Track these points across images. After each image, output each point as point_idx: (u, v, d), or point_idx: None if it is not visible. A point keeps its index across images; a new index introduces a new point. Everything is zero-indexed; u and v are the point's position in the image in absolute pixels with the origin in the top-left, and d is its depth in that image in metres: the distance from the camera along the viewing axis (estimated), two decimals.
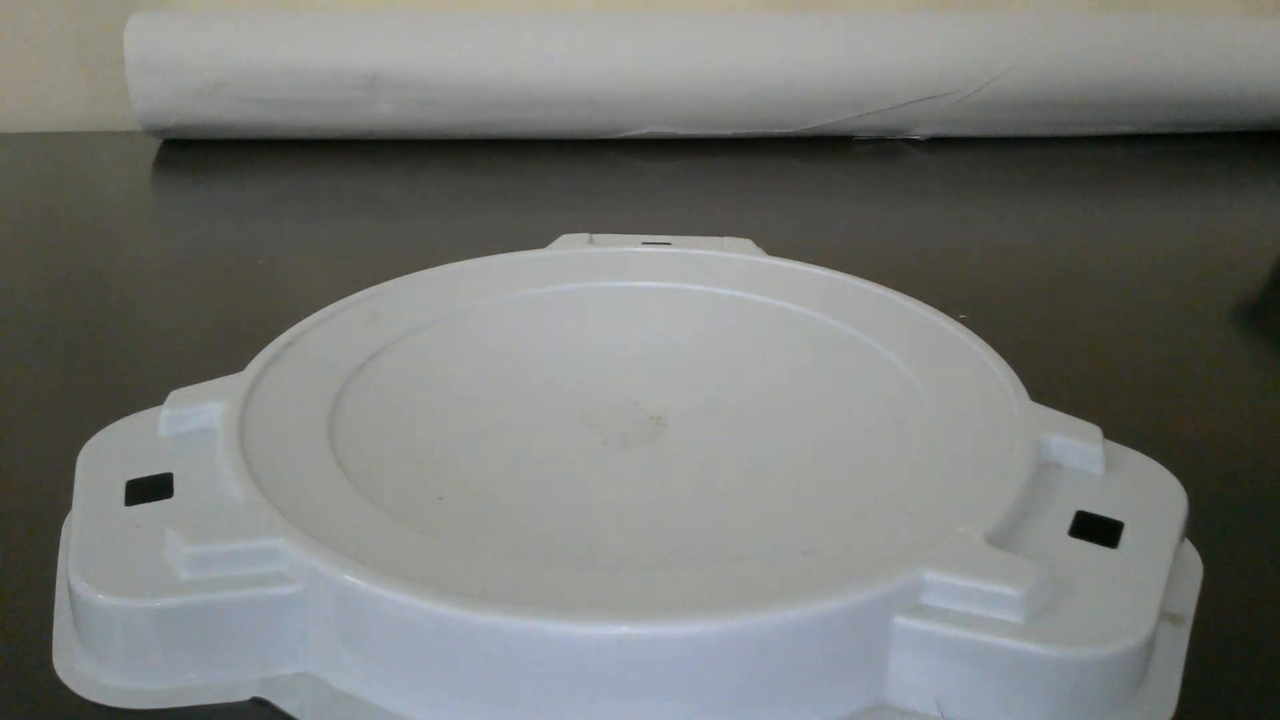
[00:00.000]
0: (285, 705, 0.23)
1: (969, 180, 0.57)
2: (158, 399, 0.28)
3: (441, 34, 0.58)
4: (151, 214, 0.52)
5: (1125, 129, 0.62)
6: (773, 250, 0.40)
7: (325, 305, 0.33)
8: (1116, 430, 0.28)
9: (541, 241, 0.41)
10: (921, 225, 0.51)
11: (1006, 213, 0.53)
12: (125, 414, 0.29)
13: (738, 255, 0.38)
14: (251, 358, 0.30)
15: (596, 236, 0.41)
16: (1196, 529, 0.27)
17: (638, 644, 0.21)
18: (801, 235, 0.49)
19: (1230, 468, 0.32)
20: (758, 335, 0.34)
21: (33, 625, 0.25)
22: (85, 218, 0.51)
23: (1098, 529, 0.25)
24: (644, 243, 0.40)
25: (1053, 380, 0.35)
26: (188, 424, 0.28)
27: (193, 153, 0.60)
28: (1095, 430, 0.28)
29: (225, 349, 0.37)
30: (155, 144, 0.61)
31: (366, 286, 0.35)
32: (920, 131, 0.61)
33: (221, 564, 0.23)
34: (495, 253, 0.39)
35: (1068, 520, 0.25)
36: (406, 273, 0.36)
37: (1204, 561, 0.27)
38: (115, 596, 0.22)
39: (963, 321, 0.33)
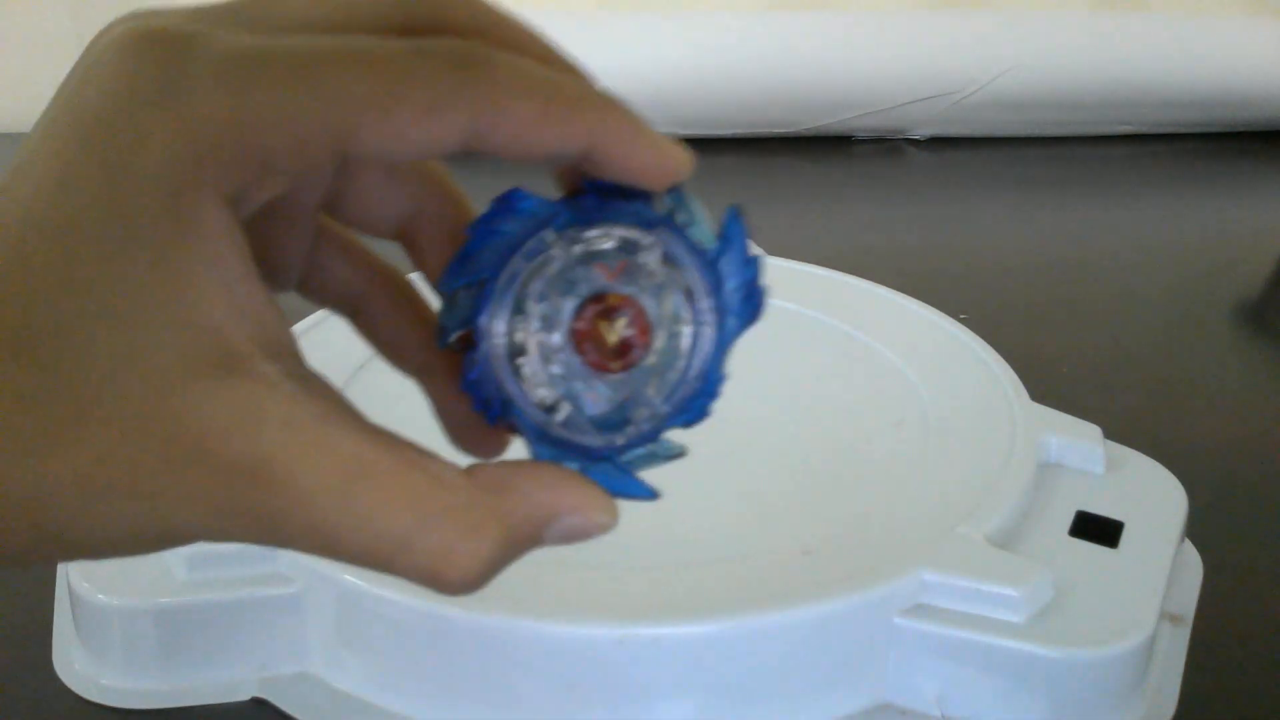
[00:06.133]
0: (285, 705, 0.23)
1: (969, 180, 0.57)
2: None
3: None
4: None
5: (1125, 129, 0.62)
6: (773, 250, 0.40)
7: None
8: (1116, 430, 0.28)
9: None
10: (921, 225, 0.51)
11: (1006, 213, 0.53)
12: None
13: None
14: None
15: None
16: (1196, 529, 0.27)
17: (638, 644, 0.21)
18: (801, 235, 0.49)
19: (1230, 468, 0.32)
20: (758, 335, 0.33)
21: (33, 625, 0.25)
22: None
23: (1098, 529, 0.25)
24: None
25: (1053, 380, 0.35)
26: None
27: None
28: (1095, 430, 0.28)
29: None
30: None
31: None
32: (920, 131, 0.61)
33: (220, 564, 0.23)
34: None
35: (1068, 520, 0.25)
36: (407, 273, 0.36)
37: (1204, 561, 0.27)
38: (115, 596, 0.22)
39: (963, 321, 0.33)
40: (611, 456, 0.15)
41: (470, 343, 0.15)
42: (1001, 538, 0.24)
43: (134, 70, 0.13)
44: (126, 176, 0.13)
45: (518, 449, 0.16)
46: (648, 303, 0.15)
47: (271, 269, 0.16)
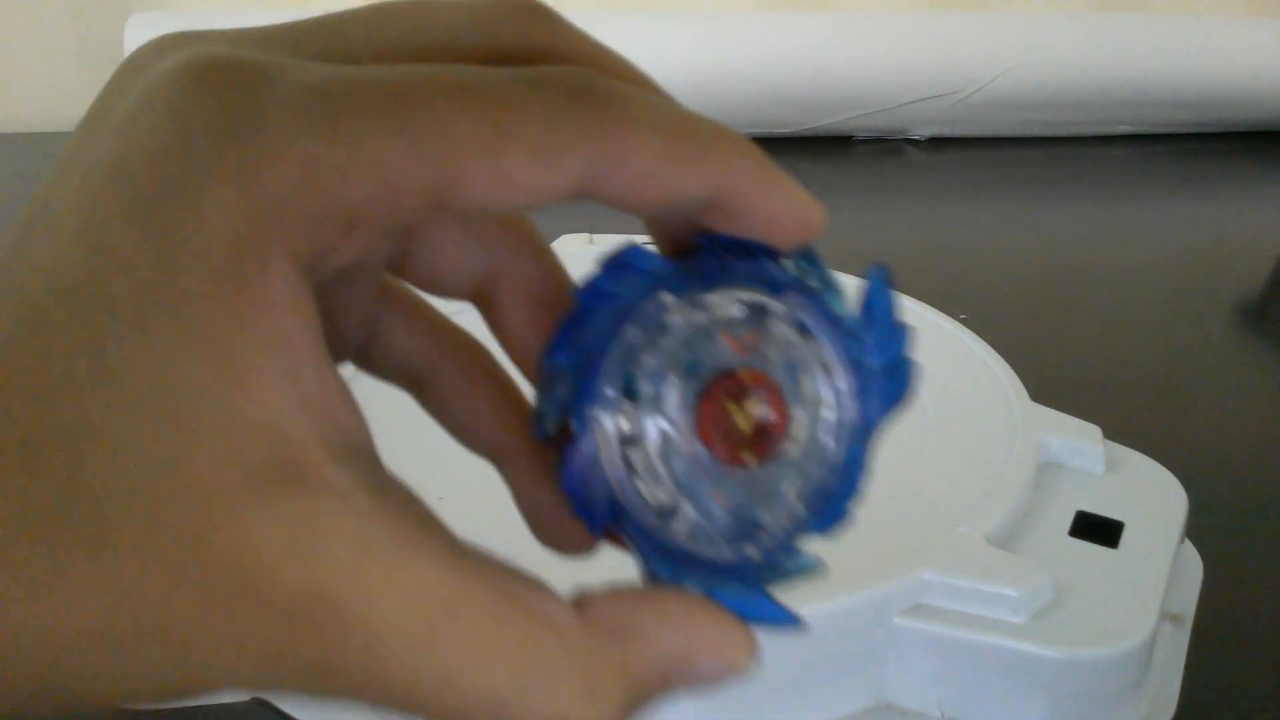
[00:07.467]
0: (285, 705, 0.23)
1: (969, 180, 0.57)
2: None
3: None
4: None
5: (1125, 129, 0.62)
6: None
7: None
8: (1116, 430, 0.28)
9: None
10: (921, 225, 0.51)
11: (1006, 213, 0.53)
12: None
13: None
14: None
15: (596, 236, 0.41)
16: (1196, 529, 0.27)
17: None
18: None
19: (1230, 468, 0.32)
20: None
21: None
22: None
23: (1098, 529, 0.25)
24: (644, 243, 0.40)
25: (1053, 380, 0.35)
26: None
27: None
28: (1095, 430, 0.28)
29: None
30: None
31: None
32: (920, 131, 0.61)
33: None
34: None
35: (1068, 520, 0.25)
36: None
37: (1204, 561, 0.27)
38: None
39: (963, 321, 0.33)
40: (743, 573, 0.13)
41: (570, 433, 0.12)
42: (1001, 538, 0.24)
43: (195, 109, 0.11)
44: (178, 238, 0.10)
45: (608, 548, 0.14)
46: (784, 380, 0.12)
47: (328, 340, 0.12)
